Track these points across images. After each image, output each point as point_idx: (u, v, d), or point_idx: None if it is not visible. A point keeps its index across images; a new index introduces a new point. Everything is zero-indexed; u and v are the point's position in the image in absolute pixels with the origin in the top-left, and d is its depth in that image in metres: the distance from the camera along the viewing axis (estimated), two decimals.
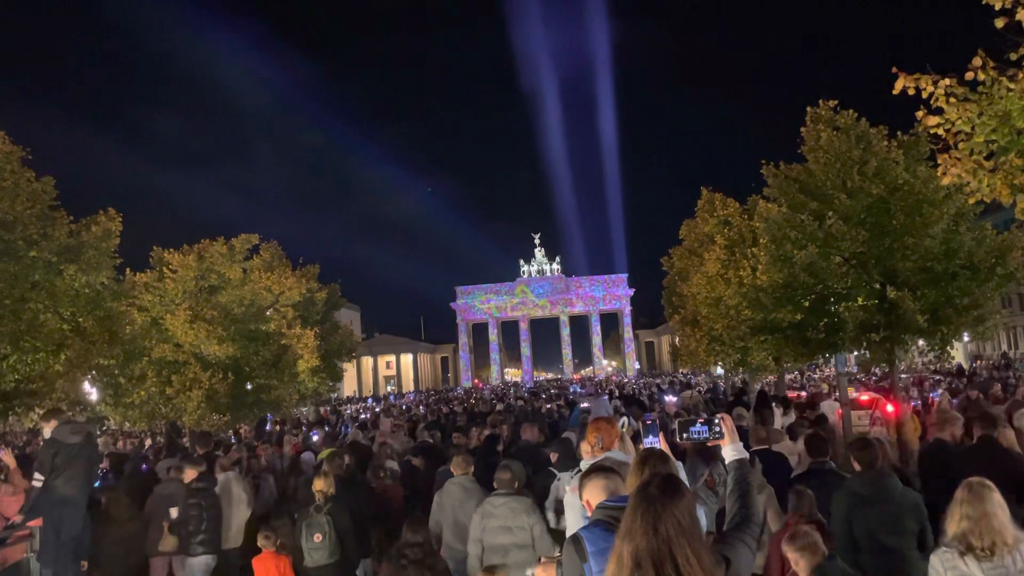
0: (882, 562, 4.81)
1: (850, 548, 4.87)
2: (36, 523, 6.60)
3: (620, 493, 2.88)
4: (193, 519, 7.40)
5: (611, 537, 2.51)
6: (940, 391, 18.25)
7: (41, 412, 12.65)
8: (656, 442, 3.36)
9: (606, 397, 19.69)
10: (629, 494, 2.89)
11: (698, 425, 3.08)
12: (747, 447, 5.48)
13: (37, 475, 6.50)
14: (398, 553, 5.67)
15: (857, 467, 5.26)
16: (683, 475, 3.37)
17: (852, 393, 13.78)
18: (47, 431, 6.80)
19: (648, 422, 3.48)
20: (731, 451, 2.98)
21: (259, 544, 6.70)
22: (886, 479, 5.06)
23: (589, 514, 2.95)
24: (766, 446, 7.44)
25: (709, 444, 3.17)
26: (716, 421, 3.06)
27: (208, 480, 7.82)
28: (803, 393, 20.96)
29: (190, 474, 7.65)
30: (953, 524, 3.59)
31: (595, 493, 2.94)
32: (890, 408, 11.15)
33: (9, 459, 7.37)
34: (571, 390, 37.31)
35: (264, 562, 6.56)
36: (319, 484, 7.00)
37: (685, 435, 3.12)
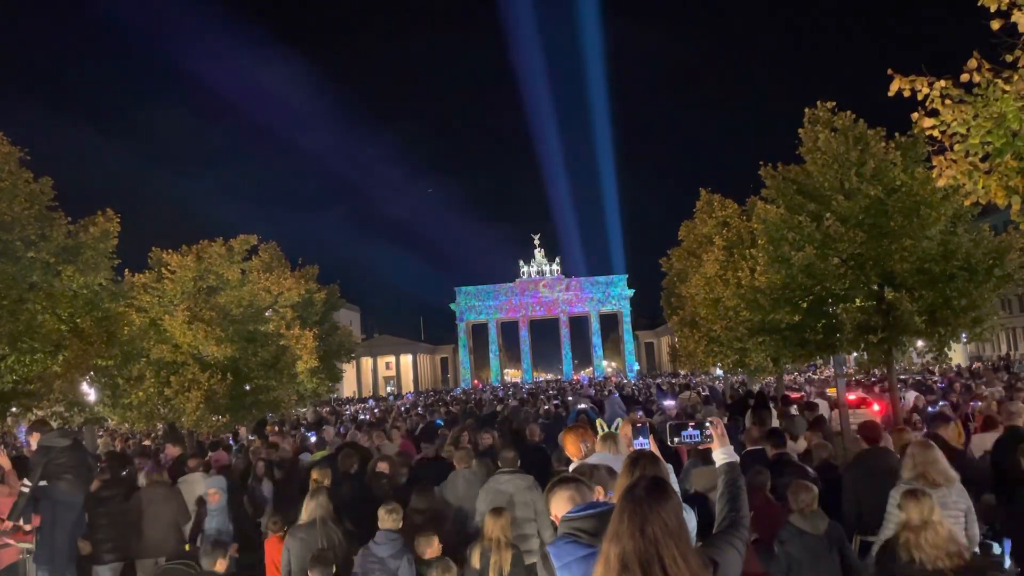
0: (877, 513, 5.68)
1: (856, 504, 6.02)
2: (33, 523, 6.63)
3: (587, 500, 2.87)
4: (101, 527, 7.48)
5: (576, 550, 2.51)
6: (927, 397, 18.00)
7: (39, 414, 12.69)
8: (646, 443, 3.37)
9: (617, 395, 19.70)
10: (598, 499, 2.90)
11: (690, 429, 3.09)
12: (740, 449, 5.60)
13: (26, 481, 6.59)
14: (408, 519, 6.17)
15: (865, 445, 6.65)
16: (672, 478, 3.36)
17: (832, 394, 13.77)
18: (34, 443, 6.92)
19: (638, 424, 3.50)
20: (721, 454, 2.98)
21: (268, 528, 7.13)
22: (884, 452, 6.46)
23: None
24: (761, 447, 7.45)
25: (700, 448, 3.18)
26: (707, 425, 3.06)
27: (117, 488, 7.88)
28: (802, 394, 20.91)
29: (93, 483, 7.67)
30: (909, 468, 4.90)
31: (559, 505, 2.92)
32: (876, 407, 11.16)
33: (5, 461, 7.39)
34: (582, 379, 37.06)
35: (272, 544, 6.93)
36: (315, 474, 7.37)
37: (677, 439, 3.12)
